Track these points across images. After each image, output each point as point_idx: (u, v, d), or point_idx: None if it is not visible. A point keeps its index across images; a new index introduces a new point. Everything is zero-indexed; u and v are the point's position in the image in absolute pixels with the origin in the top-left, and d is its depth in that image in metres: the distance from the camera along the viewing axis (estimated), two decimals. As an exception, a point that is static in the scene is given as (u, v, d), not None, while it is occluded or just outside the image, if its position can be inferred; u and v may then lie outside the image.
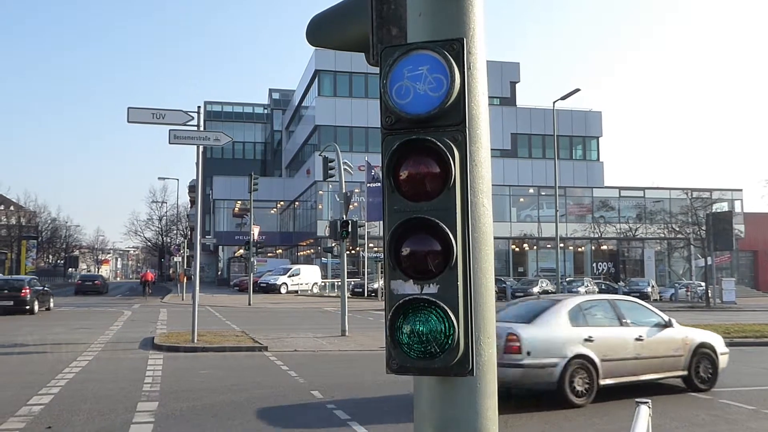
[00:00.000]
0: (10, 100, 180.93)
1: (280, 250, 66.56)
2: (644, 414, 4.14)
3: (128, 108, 15.83)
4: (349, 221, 18.97)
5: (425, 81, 2.16)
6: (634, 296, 43.33)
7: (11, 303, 25.97)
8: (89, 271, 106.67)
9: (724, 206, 50.12)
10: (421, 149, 2.14)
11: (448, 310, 2.06)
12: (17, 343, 16.06)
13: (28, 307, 26.25)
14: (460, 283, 2.09)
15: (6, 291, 26.51)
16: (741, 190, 58.80)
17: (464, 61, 2.16)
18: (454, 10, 2.34)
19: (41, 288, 29.27)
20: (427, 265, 2.10)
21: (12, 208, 74.62)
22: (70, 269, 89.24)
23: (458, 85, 2.14)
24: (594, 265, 56.29)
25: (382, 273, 24.91)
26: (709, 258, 37.24)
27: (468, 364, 2.10)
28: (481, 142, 2.33)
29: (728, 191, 56.67)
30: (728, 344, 16.85)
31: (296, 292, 45.80)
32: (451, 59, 2.14)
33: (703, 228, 37.44)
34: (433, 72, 2.15)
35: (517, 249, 55.42)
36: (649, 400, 4.31)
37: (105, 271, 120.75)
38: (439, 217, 2.10)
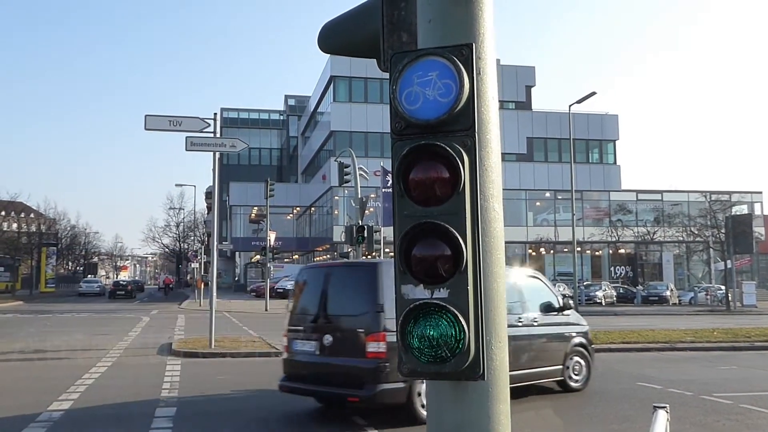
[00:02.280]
0: (29, 108, 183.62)
1: (297, 256, 66.73)
2: (662, 419, 4.09)
3: (146, 115, 15.97)
4: (365, 226, 19.02)
5: (434, 87, 2.17)
6: (652, 300, 43.17)
7: (124, 293, 54.08)
8: (107, 277, 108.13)
9: (743, 209, 49.53)
10: (431, 154, 2.15)
11: (459, 315, 2.06)
12: (38, 349, 16.25)
13: (132, 295, 54.82)
14: (470, 287, 2.09)
15: (122, 285, 57.94)
16: (761, 192, 58.08)
17: (473, 67, 2.17)
18: (463, 16, 2.35)
19: (135, 284, 64.78)
20: (437, 270, 2.11)
21: (32, 215, 75.52)
22: (89, 276, 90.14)
23: (467, 91, 2.15)
24: (612, 269, 55.83)
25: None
26: (728, 261, 36.81)
27: (479, 368, 2.10)
28: (491, 147, 2.33)
29: (748, 193, 55.99)
30: (749, 348, 16.84)
31: (313, 297, 45.75)
32: (460, 65, 2.15)
33: (723, 231, 37.03)
34: (442, 78, 2.16)
35: (533, 253, 55.12)
36: (667, 405, 4.26)
37: (123, 276, 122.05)
38: (448, 221, 2.10)
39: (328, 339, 8.38)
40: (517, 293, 9.87)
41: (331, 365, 8.35)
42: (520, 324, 9.48)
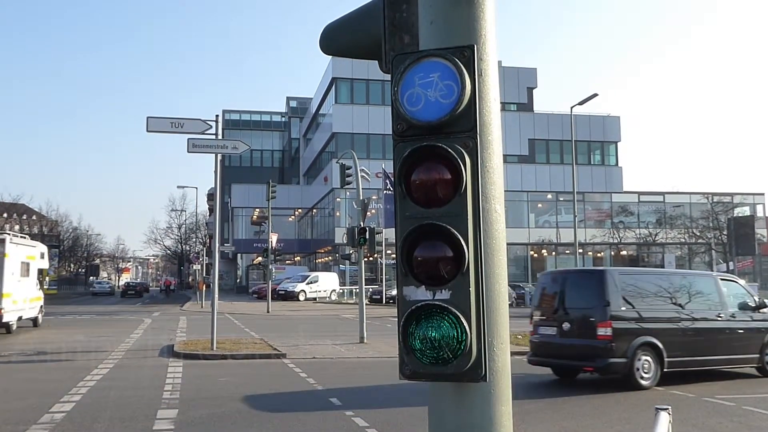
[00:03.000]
0: (31, 109, 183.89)
1: (299, 258, 66.75)
2: (664, 421, 4.07)
3: (147, 117, 15.97)
4: (367, 228, 18.95)
5: (436, 88, 2.16)
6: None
7: (134, 292, 61.87)
8: (110, 278, 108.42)
9: (745, 210, 49.48)
10: (433, 156, 2.15)
11: (461, 316, 2.06)
12: (39, 351, 16.26)
13: (141, 294, 61.78)
14: (472, 288, 2.09)
15: (132, 286, 65.94)
16: (763, 194, 58.00)
17: (475, 68, 2.16)
18: (465, 18, 2.35)
19: (142, 285, 69.52)
20: (439, 271, 2.11)
21: (34, 217, 75.62)
22: (91, 278, 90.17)
23: (469, 92, 2.14)
24: (614, 270, 55.62)
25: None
26: (730, 263, 36.73)
27: (481, 369, 2.09)
28: (492, 148, 2.33)
29: (750, 195, 55.92)
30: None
31: (314, 299, 45.86)
32: (462, 66, 2.15)
33: (725, 233, 36.99)
34: (444, 79, 2.16)
35: (535, 255, 55.06)
36: (669, 407, 4.25)
37: (125, 278, 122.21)
38: (450, 223, 2.10)
39: (566, 325, 11.32)
40: (717, 293, 12.23)
41: (569, 344, 11.21)
42: (719, 319, 11.95)
